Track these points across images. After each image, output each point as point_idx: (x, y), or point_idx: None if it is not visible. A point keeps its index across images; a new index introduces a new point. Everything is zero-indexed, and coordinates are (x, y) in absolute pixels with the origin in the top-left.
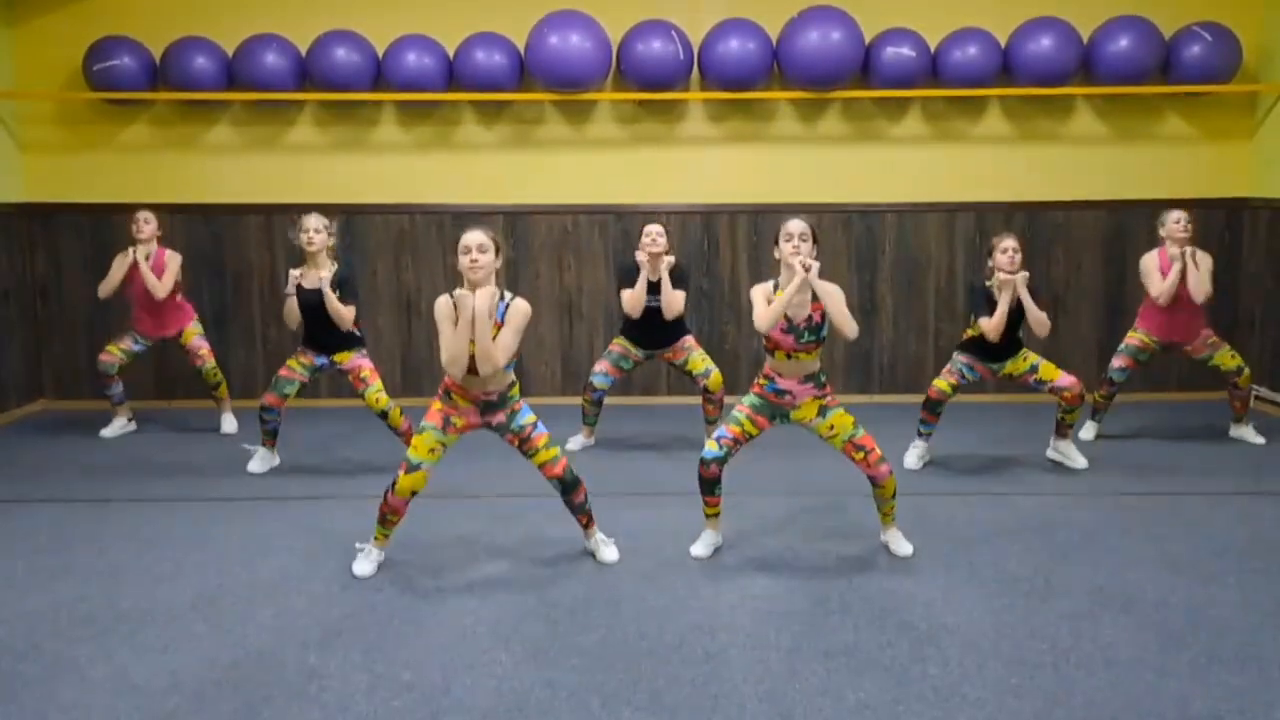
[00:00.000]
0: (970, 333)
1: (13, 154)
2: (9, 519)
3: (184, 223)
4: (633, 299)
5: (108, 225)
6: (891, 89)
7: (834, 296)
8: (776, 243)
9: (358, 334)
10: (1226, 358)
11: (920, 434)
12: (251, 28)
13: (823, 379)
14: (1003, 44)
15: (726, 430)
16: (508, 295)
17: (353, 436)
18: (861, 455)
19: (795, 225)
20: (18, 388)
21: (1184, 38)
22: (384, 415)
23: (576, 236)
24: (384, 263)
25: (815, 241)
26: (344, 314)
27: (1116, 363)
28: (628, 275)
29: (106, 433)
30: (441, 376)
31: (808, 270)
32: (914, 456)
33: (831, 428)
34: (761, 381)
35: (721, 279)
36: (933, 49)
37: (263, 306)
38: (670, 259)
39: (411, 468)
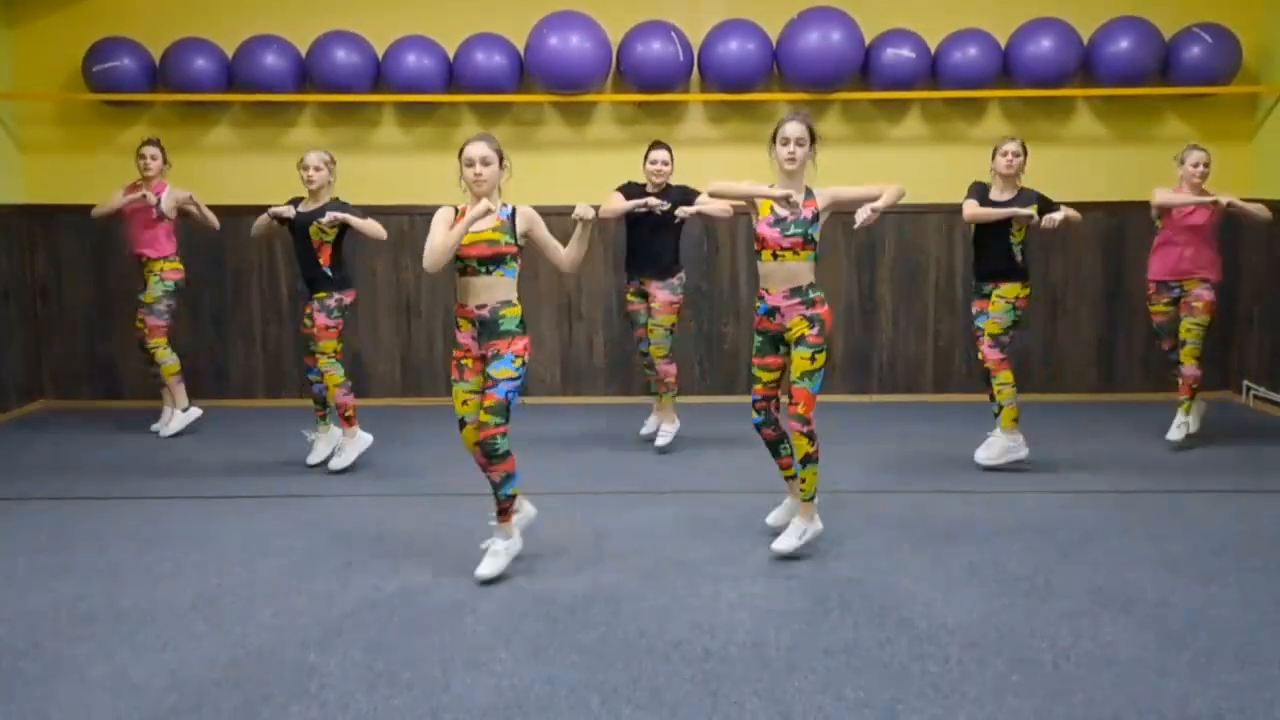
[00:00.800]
0: (968, 214)
1: (13, 154)
2: (9, 518)
3: (184, 223)
4: (614, 199)
5: (107, 225)
6: (891, 90)
7: (839, 194)
8: (773, 143)
9: (330, 273)
10: (1184, 327)
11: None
12: (251, 29)
13: (812, 295)
14: (1002, 45)
15: (754, 393)
16: (509, 205)
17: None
18: (787, 400)
19: (792, 128)
20: (18, 387)
21: (1184, 39)
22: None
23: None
24: (384, 263)
25: (814, 140)
26: (370, 227)
27: (1164, 346)
28: (628, 191)
29: (170, 427)
30: (442, 377)
31: (792, 205)
32: (998, 449)
33: (792, 361)
34: (755, 304)
35: (721, 279)
36: (932, 50)
37: (263, 306)
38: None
39: (461, 424)
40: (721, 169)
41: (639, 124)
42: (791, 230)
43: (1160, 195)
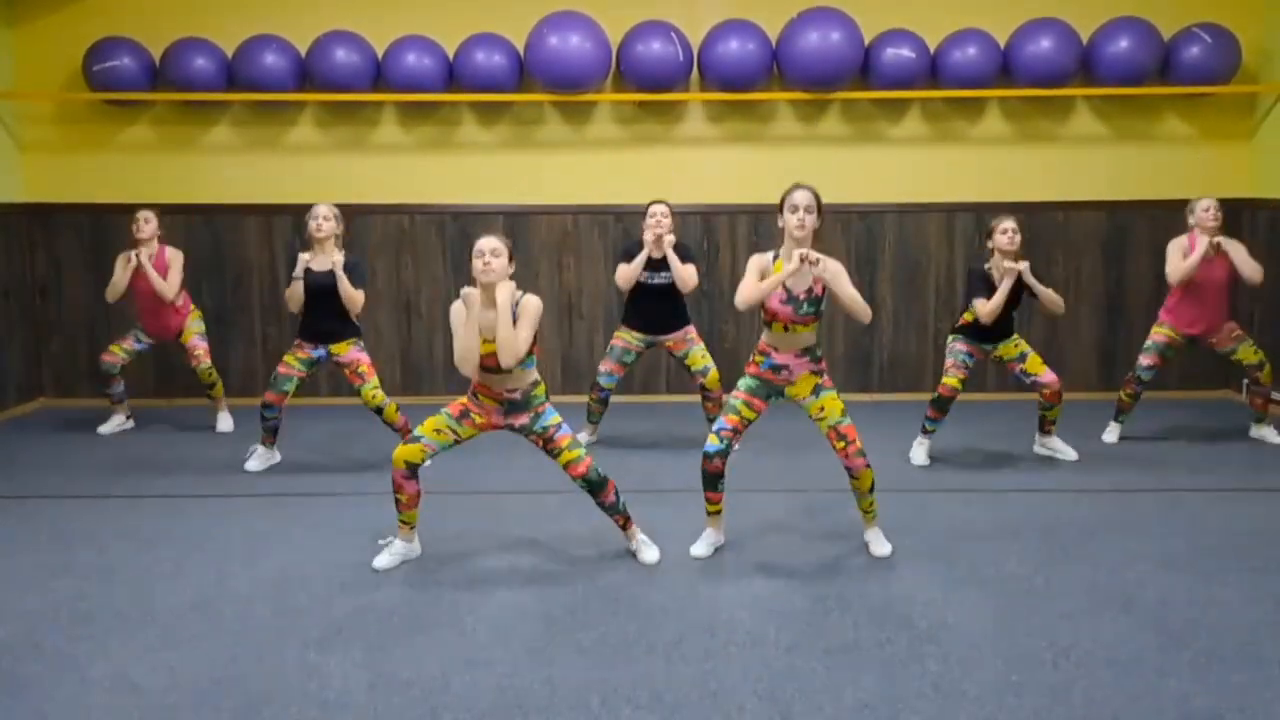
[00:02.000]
0: (966, 317)
1: (13, 154)
2: (9, 517)
3: (184, 223)
4: (626, 271)
5: (108, 225)
6: (891, 90)
7: (840, 279)
8: (780, 211)
9: (355, 324)
10: (1249, 352)
11: (926, 431)
12: (251, 28)
13: (818, 354)
14: (1002, 45)
15: (725, 421)
16: (518, 293)
17: (353, 434)
18: (842, 445)
19: (801, 197)
20: (18, 387)
21: (1183, 39)
22: (379, 411)
23: (576, 237)
24: (384, 263)
25: (820, 212)
26: (355, 297)
27: (1145, 361)
28: (628, 252)
29: (104, 429)
30: (442, 376)
31: (806, 261)
32: (922, 453)
33: (821, 409)
34: (757, 359)
35: (721, 279)
36: (932, 50)
37: (263, 306)
38: (672, 238)
39: (411, 439)
40: (721, 168)
41: (639, 124)
42: (804, 310)
43: (1174, 268)
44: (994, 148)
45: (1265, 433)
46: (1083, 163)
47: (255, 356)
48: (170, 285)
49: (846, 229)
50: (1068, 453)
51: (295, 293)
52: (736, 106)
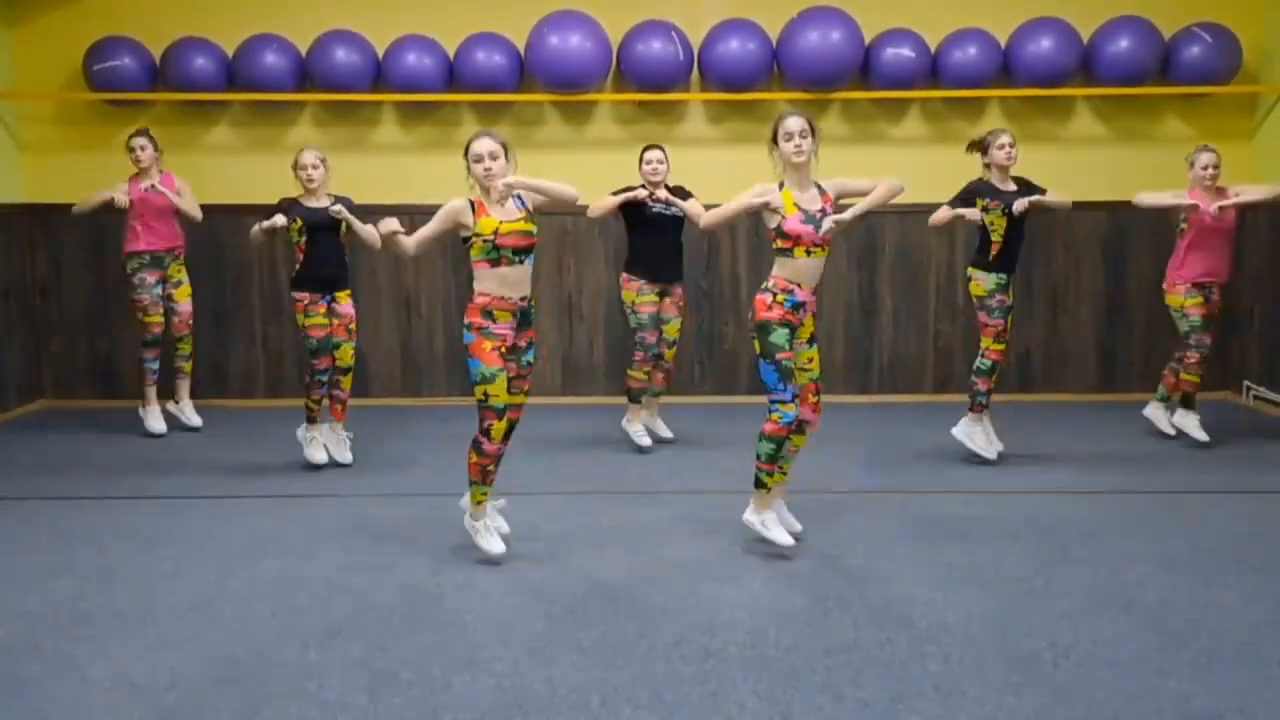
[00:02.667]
0: (994, 239)
1: (13, 154)
2: (9, 517)
3: (183, 223)
4: (606, 200)
5: (108, 225)
6: (891, 90)
7: (844, 186)
8: (774, 142)
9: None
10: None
11: (982, 407)
12: (251, 28)
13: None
14: (1003, 45)
15: (794, 386)
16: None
17: (353, 435)
18: (814, 399)
19: (794, 123)
20: (18, 387)
21: (1184, 38)
22: (346, 371)
23: (576, 237)
24: (384, 262)
25: (814, 133)
26: (372, 232)
27: (1206, 339)
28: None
29: (155, 426)
30: (443, 377)
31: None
32: (983, 439)
33: (810, 360)
34: (780, 298)
35: (721, 279)
36: (932, 50)
37: (263, 306)
38: (663, 191)
39: (500, 413)
40: (721, 168)
41: (639, 123)
42: (826, 227)
43: (1150, 195)
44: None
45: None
46: (1083, 163)
47: (255, 357)
48: (196, 210)
49: (847, 229)
50: (991, 450)
51: (256, 234)
52: (737, 106)
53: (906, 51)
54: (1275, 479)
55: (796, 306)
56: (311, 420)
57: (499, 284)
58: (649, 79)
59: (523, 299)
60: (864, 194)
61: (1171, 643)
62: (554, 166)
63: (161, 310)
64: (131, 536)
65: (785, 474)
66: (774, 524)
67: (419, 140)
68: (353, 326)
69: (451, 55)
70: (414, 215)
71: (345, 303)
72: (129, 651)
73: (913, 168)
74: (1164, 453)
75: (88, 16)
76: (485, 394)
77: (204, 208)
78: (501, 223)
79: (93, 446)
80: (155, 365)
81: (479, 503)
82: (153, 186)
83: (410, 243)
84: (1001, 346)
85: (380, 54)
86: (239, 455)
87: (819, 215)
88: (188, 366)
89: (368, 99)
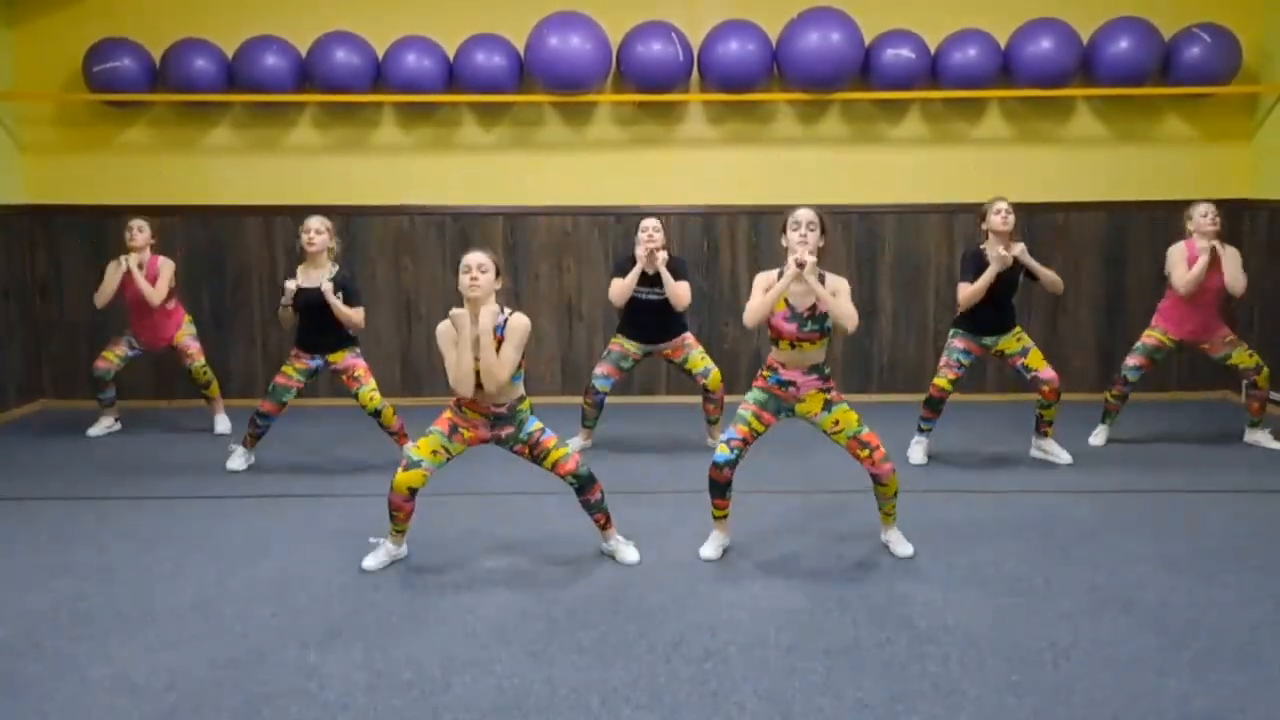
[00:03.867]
0: (964, 298)
1: (13, 154)
2: (9, 518)
3: (184, 224)
4: (619, 287)
5: (108, 226)
6: (891, 90)
7: (839, 292)
8: (784, 231)
9: (351, 333)
10: (1244, 356)
11: (921, 430)
12: (251, 29)
13: (826, 371)
14: (1002, 45)
15: (735, 431)
16: (506, 311)
17: (353, 436)
18: (866, 453)
19: (804, 214)
20: (18, 388)
21: (1184, 39)
22: (376, 414)
23: (576, 238)
24: (383, 264)
25: (824, 231)
26: (354, 317)
27: (1131, 361)
28: (621, 268)
29: (93, 431)
30: (442, 379)
31: (801, 266)
32: (920, 452)
33: (836, 423)
34: (765, 373)
35: (721, 280)
36: (932, 50)
37: (263, 308)
38: (664, 254)
39: (411, 464)
40: (721, 169)
41: (639, 124)
42: (809, 327)
43: (1178, 276)
44: (994, 148)
45: (1259, 437)
46: (1083, 163)
47: (255, 358)
48: (158, 291)
49: (847, 230)
50: (1062, 456)
51: (286, 316)
52: (736, 107)
53: (906, 52)
54: (1275, 479)
55: (782, 384)
56: (245, 443)
57: (474, 394)
58: (649, 80)
59: (498, 406)
60: (840, 309)
61: (1171, 643)
62: (554, 167)
63: (126, 359)
64: (131, 536)
65: (723, 510)
66: (710, 541)
67: (419, 141)
68: (359, 374)
69: (451, 56)
70: (414, 216)
71: (341, 360)
72: (129, 651)
73: (912, 168)
74: (1163, 453)
75: (88, 17)
76: (420, 443)
77: (204, 208)
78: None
79: (93, 447)
80: (106, 396)
81: (390, 533)
82: (124, 265)
83: (458, 388)
84: (942, 382)
85: (380, 55)
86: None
87: (805, 314)
88: (210, 393)
89: (368, 100)
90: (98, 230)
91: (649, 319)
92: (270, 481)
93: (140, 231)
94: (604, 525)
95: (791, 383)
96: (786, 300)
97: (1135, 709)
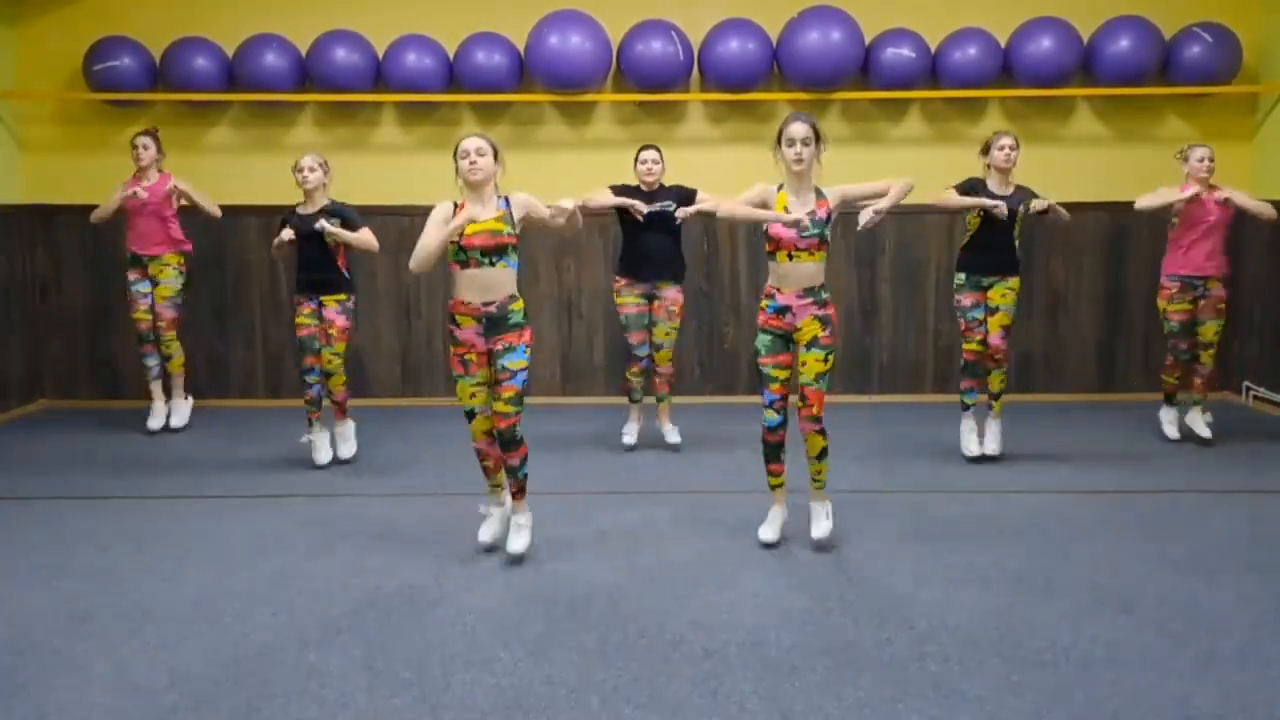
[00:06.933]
0: (971, 224)
1: (13, 154)
2: (9, 517)
3: (184, 223)
4: (603, 195)
5: (108, 225)
6: (891, 90)
7: (847, 191)
8: (777, 144)
9: (348, 277)
10: (1212, 330)
11: (965, 405)
12: (251, 28)
13: (824, 296)
14: (1003, 45)
15: (770, 393)
16: (501, 198)
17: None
18: (801, 405)
19: (798, 129)
20: (18, 387)
21: (1184, 38)
22: (329, 375)
23: (576, 237)
24: (384, 264)
25: (819, 140)
26: (365, 239)
27: (1183, 345)
28: (619, 192)
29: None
30: (442, 378)
31: (800, 228)
32: (972, 442)
33: (804, 363)
34: (764, 303)
35: (721, 279)
36: (933, 50)
37: (263, 307)
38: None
39: (468, 415)
40: (721, 169)
41: (639, 124)
42: (809, 231)
43: (1149, 198)
44: None
45: (1195, 420)
46: (1083, 162)
47: (255, 357)
48: (212, 204)
49: (847, 229)
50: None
51: (281, 254)
52: (737, 107)
53: (906, 51)
54: (1275, 479)
55: (779, 311)
56: (310, 422)
57: (464, 288)
58: (649, 79)
59: (488, 304)
60: (868, 196)
61: (1171, 643)
62: (554, 167)
63: (147, 307)
64: (131, 536)
65: (778, 478)
66: (768, 522)
67: (419, 140)
68: (332, 332)
69: (451, 55)
70: (413, 216)
71: (331, 308)
72: (129, 651)
73: (913, 168)
74: (1164, 453)
75: (88, 16)
76: (459, 394)
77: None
78: (471, 222)
79: (93, 446)
80: (151, 361)
81: (489, 493)
82: (135, 193)
83: (414, 263)
84: (971, 345)
85: (380, 54)
86: (239, 455)
87: (807, 219)
88: (170, 366)
89: (368, 99)
90: (98, 230)
91: (650, 243)
92: (270, 481)
93: (145, 149)
94: (515, 494)
95: (788, 308)
96: (788, 209)
97: (1135, 709)
